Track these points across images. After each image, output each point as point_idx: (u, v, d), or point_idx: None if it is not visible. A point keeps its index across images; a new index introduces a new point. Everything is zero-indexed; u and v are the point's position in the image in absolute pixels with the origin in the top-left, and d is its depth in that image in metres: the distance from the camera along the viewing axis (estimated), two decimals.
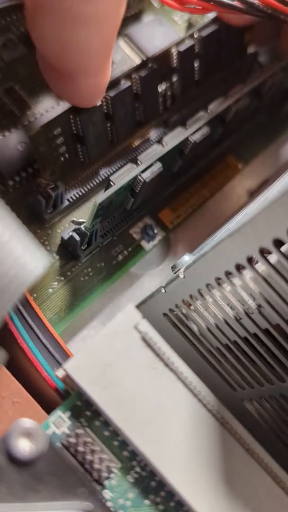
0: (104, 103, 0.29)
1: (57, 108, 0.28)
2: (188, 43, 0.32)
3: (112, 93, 0.29)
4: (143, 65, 0.30)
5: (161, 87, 0.32)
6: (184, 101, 0.34)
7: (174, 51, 0.32)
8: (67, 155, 0.29)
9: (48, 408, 0.24)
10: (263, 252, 0.19)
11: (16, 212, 0.27)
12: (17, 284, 0.18)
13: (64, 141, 0.28)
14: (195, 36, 0.32)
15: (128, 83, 0.29)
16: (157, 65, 0.31)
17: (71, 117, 0.28)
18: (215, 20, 0.33)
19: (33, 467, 0.19)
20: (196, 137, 0.29)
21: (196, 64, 0.33)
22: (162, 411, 0.24)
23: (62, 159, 0.29)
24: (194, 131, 0.29)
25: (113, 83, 0.29)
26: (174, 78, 0.33)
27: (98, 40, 0.24)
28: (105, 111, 0.29)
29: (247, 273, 0.20)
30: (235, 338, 0.22)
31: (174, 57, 0.32)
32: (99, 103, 0.27)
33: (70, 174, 0.29)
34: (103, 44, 0.24)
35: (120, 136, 0.31)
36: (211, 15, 0.34)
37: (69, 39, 0.23)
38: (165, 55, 0.31)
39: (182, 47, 0.32)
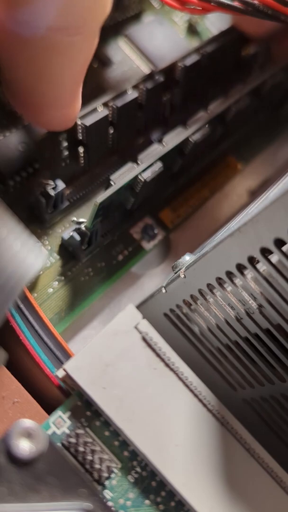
0: (110, 112, 0.29)
1: None
2: (193, 58, 0.32)
3: (119, 103, 0.29)
4: (149, 76, 0.30)
5: (162, 99, 0.32)
6: (182, 112, 0.34)
7: (180, 64, 0.32)
8: (68, 161, 0.29)
9: (49, 408, 0.24)
10: (264, 252, 0.19)
11: (16, 212, 0.27)
12: (16, 280, 0.18)
13: (67, 146, 0.28)
14: (200, 51, 0.33)
15: (136, 94, 0.29)
16: (163, 78, 0.31)
17: (78, 123, 0.28)
18: (219, 36, 0.34)
19: (33, 467, 0.19)
20: (196, 137, 0.29)
21: (197, 79, 0.34)
22: (163, 411, 0.24)
23: (64, 164, 0.29)
24: (194, 131, 0.29)
25: (120, 93, 0.29)
26: (176, 91, 0.33)
27: (71, 72, 0.23)
28: (110, 119, 0.29)
29: (248, 273, 0.20)
30: (236, 338, 0.22)
31: (179, 71, 0.32)
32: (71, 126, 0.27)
33: (70, 177, 0.29)
34: (74, 76, 0.23)
35: (121, 143, 0.31)
36: (216, 25, 0.35)
37: (41, 69, 0.22)
38: (172, 68, 0.31)
39: (188, 62, 0.32)
